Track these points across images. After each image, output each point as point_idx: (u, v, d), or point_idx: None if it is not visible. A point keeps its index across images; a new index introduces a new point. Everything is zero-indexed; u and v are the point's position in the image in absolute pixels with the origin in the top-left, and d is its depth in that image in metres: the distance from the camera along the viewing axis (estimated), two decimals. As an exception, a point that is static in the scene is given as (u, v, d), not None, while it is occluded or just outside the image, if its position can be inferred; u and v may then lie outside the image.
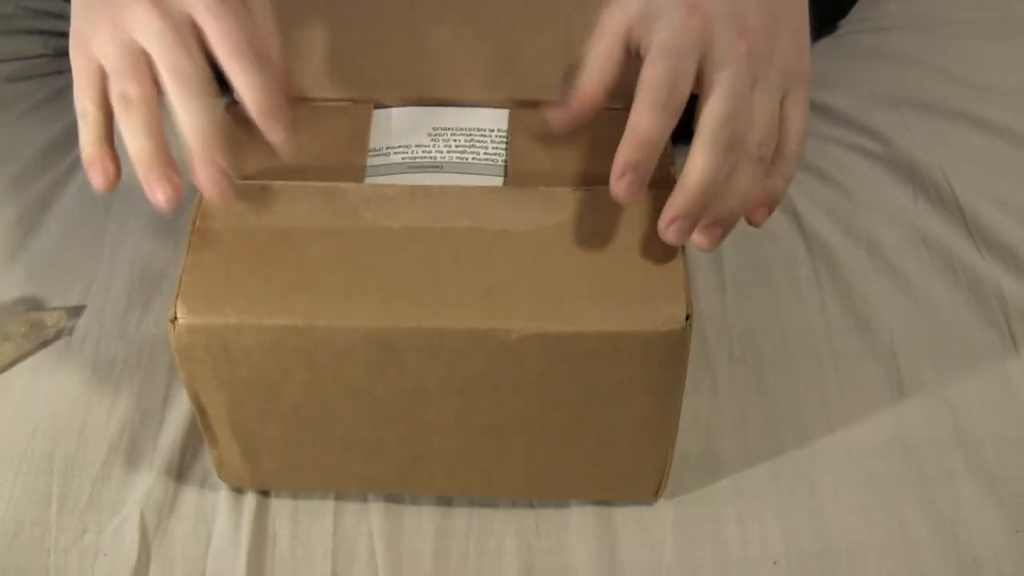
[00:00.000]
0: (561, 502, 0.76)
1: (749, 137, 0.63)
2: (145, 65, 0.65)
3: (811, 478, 0.77)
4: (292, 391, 0.68)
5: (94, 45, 0.66)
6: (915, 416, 0.80)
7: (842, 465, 0.78)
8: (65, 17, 1.13)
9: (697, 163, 0.62)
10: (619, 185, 0.62)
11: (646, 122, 0.62)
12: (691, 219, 0.63)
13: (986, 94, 1.05)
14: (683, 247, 0.63)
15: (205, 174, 0.63)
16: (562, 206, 0.64)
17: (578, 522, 0.75)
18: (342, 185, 0.61)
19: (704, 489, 0.76)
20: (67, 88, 1.07)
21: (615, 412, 0.68)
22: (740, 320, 0.86)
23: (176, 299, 0.63)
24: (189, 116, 0.63)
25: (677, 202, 0.62)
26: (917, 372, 0.83)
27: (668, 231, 0.63)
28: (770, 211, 0.68)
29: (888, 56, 1.09)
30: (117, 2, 0.66)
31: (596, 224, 0.63)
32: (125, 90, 0.65)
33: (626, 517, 0.75)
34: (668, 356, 0.64)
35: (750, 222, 0.67)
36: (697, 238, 0.64)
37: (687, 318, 0.63)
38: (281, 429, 0.71)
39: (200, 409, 0.70)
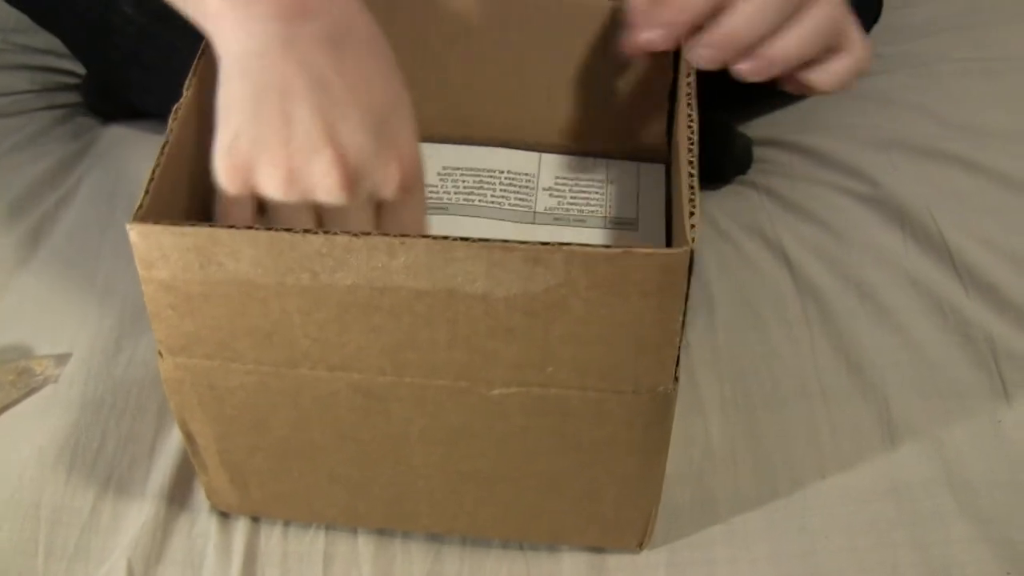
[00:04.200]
0: (553, 547, 0.75)
1: None
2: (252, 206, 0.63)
3: (803, 521, 0.77)
4: (278, 428, 0.67)
5: (258, 174, 0.61)
6: (906, 459, 0.80)
7: (834, 508, 0.77)
8: (53, 52, 1.14)
9: None
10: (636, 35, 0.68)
11: None
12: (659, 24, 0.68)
13: (973, 135, 1.05)
14: (682, 324, 0.59)
15: None
16: (550, 270, 0.56)
17: (570, 568, 0.74)
18: (287, 236, 0.56)
19: (697, 534, 0.76)
20: (55, 124, 1.09)
21: (598, 468, 0.68)
22: (731, 363, 0.86)
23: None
24: None
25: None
26: (908, 415, 0.82)
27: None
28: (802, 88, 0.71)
29: (875, 99, 1.09)
30: (299, 137, 0.60)
31: (587, 294, 0.57)
32: None
33: (619, 563, 0.74)
34: (652, 418, 0.64)
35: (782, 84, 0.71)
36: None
37: (673, 384, 0.62)
38: (268, 462, 0.71)
39: (189, 438, 0.70)
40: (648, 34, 0.69)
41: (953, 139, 1.04)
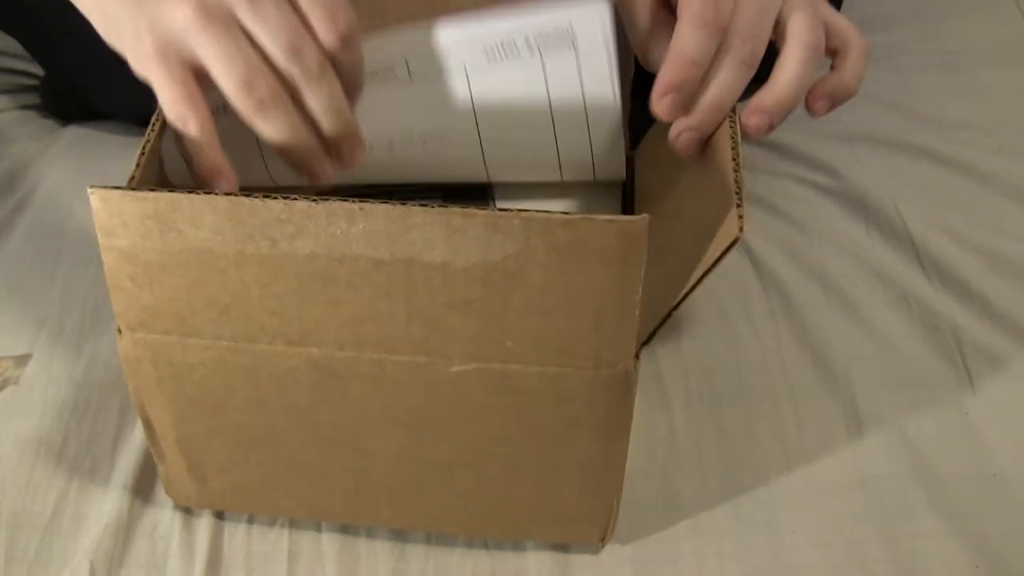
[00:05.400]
0: (518, 544, 0.75)
1: (733, 22, 0.66)
2: (196, 84, 0.61)
3: (770, 516, 0.77)
4: (237, 410, 0.67)
5: (176, 35, 0.60)
6: (873, 452, 0.80)
7: (801, 502, 0.77)
8: (10, 53, 1.13)
9: (681, 35, 0.65)
10: (659, 105, 0.66)
11: (689, 40, 0.65)
12: (682, 92, 0.66)
13: (935, 126, 1.05)
14: (639, 294, 0.59)
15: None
16: (509, 237, 0.56)
17: (535, 564, 0.74)
18: (248, 201, 0.56)
19: (663, 530, 0.76)
20: (14, 125, 1.08)
21: (559, 453, 0.67)
22: (696, 358, 0.86)
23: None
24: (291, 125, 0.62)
25: (665, 74, 0.65)
26: (874, 407, 0.82)
27: (660, 103, 0.66)
28: (834, 104, 0.71)
29: (838, 90, 1.09)
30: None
31: (546, 261, 0.57)
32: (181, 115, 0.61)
33: (584, 560, 0.74)
34: (613, 398, 0.64)
35: (810, 110, 0.71)
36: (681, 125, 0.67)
37: (635, 361, 0.62)
38: (226, 448, 0.70)
39: (147, 423, 0.70)
40: (662, 106, 0.68)
41: (916, 131, 1.05)
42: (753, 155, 1.03)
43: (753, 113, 0.67)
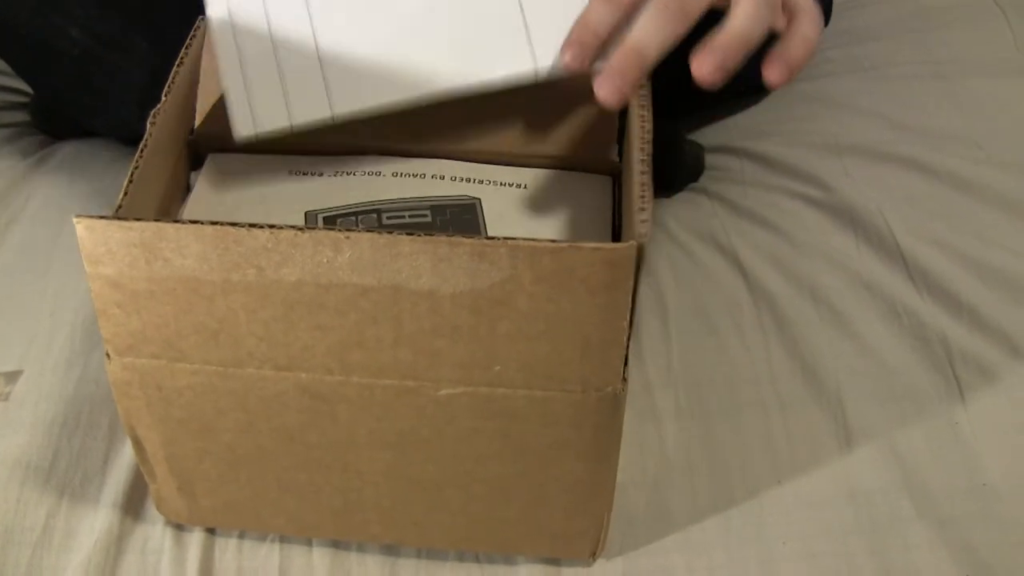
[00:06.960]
0: (509, 558, 0.75)
1: None
2: None
3: (760, 528, 0.77)
4: (226, 431, 0.67)
5: None
6: (863, 464, 0.80)
7: (791, 515, 0.77)
8: (4, 72, 1.13)
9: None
10: (599, 85, 0.64)
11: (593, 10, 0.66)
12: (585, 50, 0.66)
13: (924, 137, 1.05)
14: (631, 316, 0.59)
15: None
16: (495, 265, 0.56)
17: (527, 579, 0.74)
18: (233, 230, 0.57)
19: (653, 543, 0.76)
20: (3, 143, 1.08)
21: (547, 473, 0.67)
22: (685, 370, 0.86)
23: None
24: None
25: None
26: (863, 419, 0.82)
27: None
28: (790, 71, 0.67)
29: (827, 103, 1.10)
30: None
31: (533, 289, 0.57)
32: None
33: (575, 573, 0.74)
34: (601, 420, 0.64)
35: (765, 79, 0.67)
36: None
37: (622, 384, 0.62)
38: (216, 467, 0.70)
39: (137, 444, 0.70)
40: (564, 58, 0.67)
41: (904, 142, 1.04)
42: (743, 168, 1.03)
43: (703, 53, 0.64)
